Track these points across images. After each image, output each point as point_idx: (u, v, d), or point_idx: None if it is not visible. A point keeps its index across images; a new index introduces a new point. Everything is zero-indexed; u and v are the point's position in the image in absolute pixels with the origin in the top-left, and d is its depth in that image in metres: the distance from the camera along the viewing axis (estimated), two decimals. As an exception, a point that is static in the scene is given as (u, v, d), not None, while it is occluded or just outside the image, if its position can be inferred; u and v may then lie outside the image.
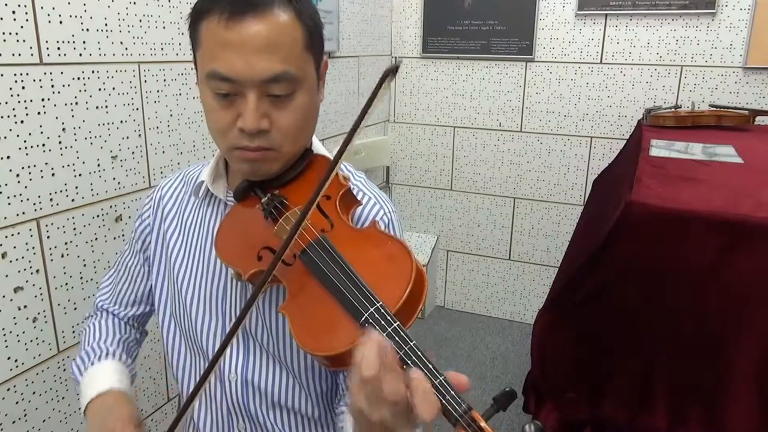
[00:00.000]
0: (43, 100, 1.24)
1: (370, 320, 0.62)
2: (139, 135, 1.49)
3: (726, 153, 1.80)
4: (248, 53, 0.74)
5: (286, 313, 0.70)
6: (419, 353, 0.60)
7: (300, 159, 0.86)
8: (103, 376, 0.94)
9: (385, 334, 0.60)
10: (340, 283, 0.66)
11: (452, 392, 0.58)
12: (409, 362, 0.59)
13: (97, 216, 1.40)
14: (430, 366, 0.59)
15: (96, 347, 0.99)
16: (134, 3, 1.42)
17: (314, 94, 0.83)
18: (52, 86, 1.25)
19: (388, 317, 0.62)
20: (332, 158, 0.68)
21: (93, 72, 1.34)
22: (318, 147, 0.92)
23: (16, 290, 1.24)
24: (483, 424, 0.56)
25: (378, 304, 0.63)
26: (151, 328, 1.61)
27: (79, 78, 1.31)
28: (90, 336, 1.02)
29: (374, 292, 0.64)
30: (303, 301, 0.71)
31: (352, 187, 0.83)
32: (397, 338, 0.60)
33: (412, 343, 0.60)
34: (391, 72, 0.62)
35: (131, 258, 1.03)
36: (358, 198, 0.85)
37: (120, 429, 0.84)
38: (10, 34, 1.16)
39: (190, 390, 0.94)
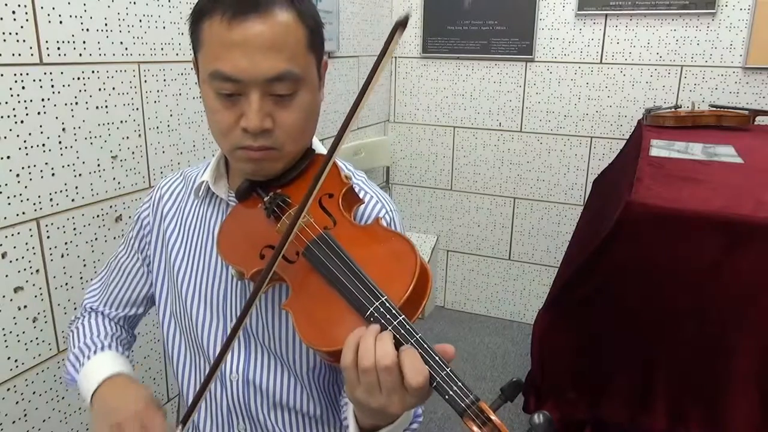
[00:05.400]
0: (43, 100, 1.23)
1: (376, 314, 0.62)
2: (139, 135, 1.49)
3: (726, 153, 1.80)
4: (252, 52, 0.74)
5: (290, 310, 0.70)
6: (425, 346, 0.60)
7: (301, 158, 0.86)
8: (105, 365, 0.91)
9: (390, 328, 0.61)
10: (345, 279, 0.67)
11: (459, 383, 0.58)
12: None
13: (97, 216, 1.40)
14: (437, 358, 0.60)
15: (90, 343, 0.96)
16: (134, 3, 1.42)
17: (316, 94, 0.83)
18: (52, 86, 1.25)
19: (394, 311, 0.62)
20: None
21: (93, 72, 1.34)
22: (318, 147, 0.92)
23: (16, 290, 1.24)
24: (492, 415, 0.57)
25: (383, 298, 0.63)
26: (151, 329, 1.62)
27: (79, 78, 1.31)
28: (80, 335, 0.99)
29: (379, 287, 0.64)
30: (307, 297, 0.71)
31: (354, 185, 0.83)
32: (402, 331, 0.61)
33: (418, 336, 0.61)
34: (401, 25, 0.61)
35: (127, 259, 1.01)
36: (360, 196, 0.85)
37: (144, 411, 0.81)
38: (10, 34, 1.16)
39: (191, 390, 0.94)
